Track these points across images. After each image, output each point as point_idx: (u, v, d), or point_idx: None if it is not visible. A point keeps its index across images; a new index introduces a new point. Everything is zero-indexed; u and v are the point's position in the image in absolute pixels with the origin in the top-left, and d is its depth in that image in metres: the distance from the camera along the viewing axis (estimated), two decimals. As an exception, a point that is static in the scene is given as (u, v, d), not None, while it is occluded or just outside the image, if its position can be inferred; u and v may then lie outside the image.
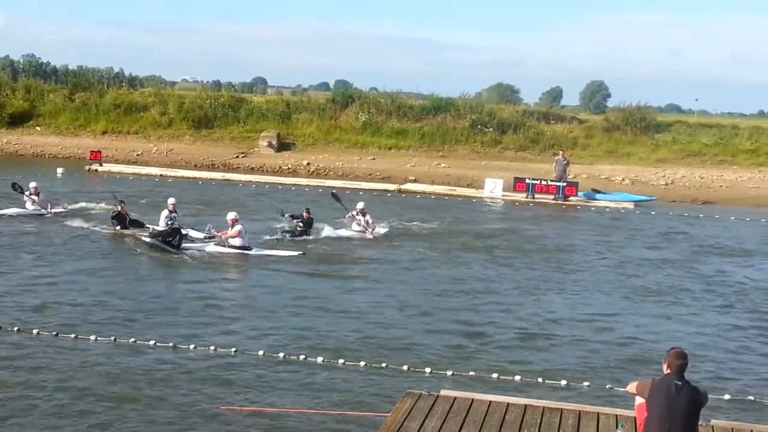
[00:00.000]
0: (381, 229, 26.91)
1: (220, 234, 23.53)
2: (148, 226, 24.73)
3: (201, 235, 24.15)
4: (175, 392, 12.63)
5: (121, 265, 21.59)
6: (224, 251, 23.09)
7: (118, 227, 24.91)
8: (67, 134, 51.40)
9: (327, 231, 26.18)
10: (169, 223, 23.49)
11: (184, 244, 23.18)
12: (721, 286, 21.98)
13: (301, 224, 25.65)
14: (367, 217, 26.56)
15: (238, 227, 23.17)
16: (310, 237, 25.46)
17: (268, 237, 25.12)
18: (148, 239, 23.35)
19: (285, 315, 17.16)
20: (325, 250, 24.21)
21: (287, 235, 25.28)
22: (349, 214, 26.79)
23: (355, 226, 26.50)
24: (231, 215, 23.58)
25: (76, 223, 26.11)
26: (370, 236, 26.03)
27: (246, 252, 23.04)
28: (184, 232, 23.64)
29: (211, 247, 23.38)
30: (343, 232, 26.42)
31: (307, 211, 26.02)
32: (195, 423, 11.58)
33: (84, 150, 46.46)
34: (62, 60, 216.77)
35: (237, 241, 23.13)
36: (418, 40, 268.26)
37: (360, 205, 26.91)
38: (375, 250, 24.36)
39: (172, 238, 22.88)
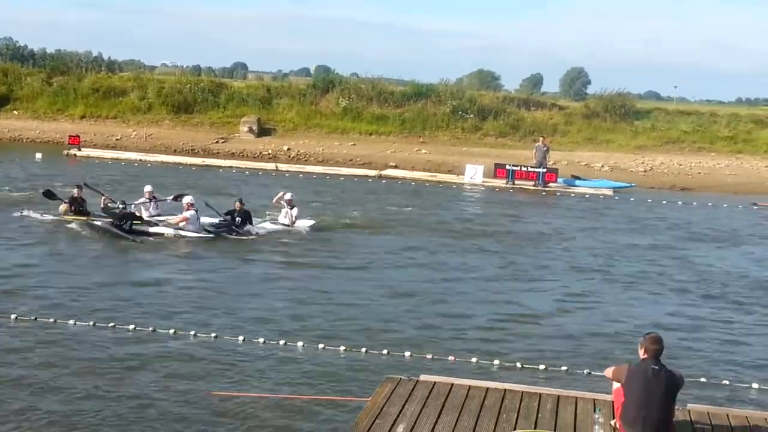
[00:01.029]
0: (306, 222, 25.04)
1: (168, 218, 23.58)
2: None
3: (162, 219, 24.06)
4: (157, 377, 12.61)
5: (77, 251, 21.17)
6: (178, 235, 22.78)
7: (65, 211, 23.97)
8: (45, 118, 50.98)
9: (261, 225, 24.46)
10: (121, 207, 22.93)
11: (141, 227, 22.97)
12: (699, 272, 22.15)
13: (237, 218, 23.33)
14: (294, 210, 24.62)
15: (188, 213, 22.90)
16: (251, 230, 23.46)
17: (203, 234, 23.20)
18: (98, 222, 23.12)
19: (259, 301, 17.13)
20: (287, 236, 23.97)
21: (222, 231, 23.13)
22: (276, 199, 24.96)
23: (281, 218, 24.74)
24: (187, 199, 23.35)
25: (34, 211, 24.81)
26: (294, 228, 24.45)
27: (200, 236, 22.77)
28: (146, 215, 23.79)
29: (164, 230, 23.01)
30: (268, 225, 24.63)
31: (240, 202, 23.80)
32: (180, 408, 11.56)
33: (62, 134, 46.14)
34: (40, 43, 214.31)
35: (189, 227, 22.83)
36: (400, 26, 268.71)
37: (288, 195, 24.81)
38: (354, 235, 24.39)
39: (123, 222, 22.50)
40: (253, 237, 23.13)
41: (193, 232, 22.88)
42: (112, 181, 31.53)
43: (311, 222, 25.22)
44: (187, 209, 23.06)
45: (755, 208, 35.52)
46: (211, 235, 22.94)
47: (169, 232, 23.01)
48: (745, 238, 28.08)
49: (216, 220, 23.57)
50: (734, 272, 22.33)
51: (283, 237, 23.71)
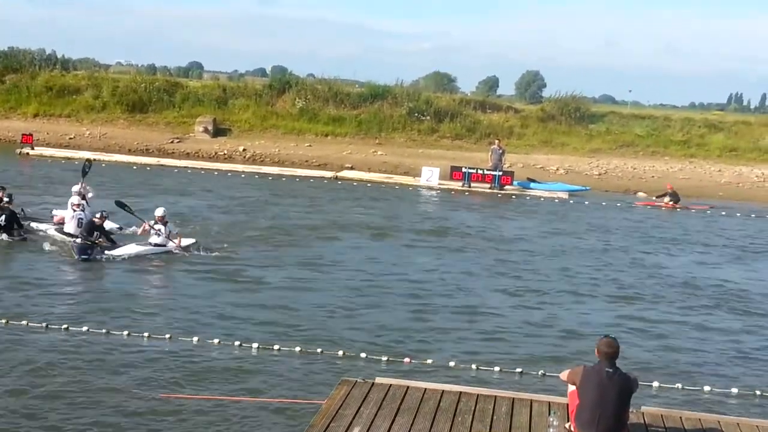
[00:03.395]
0: (186, 240, 21.84)
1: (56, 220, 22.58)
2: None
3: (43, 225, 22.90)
4: (110, 379, 12.48)
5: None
6: (58, 238, 21.69)
7: None
8: (-3, 116, 50.32)
9: (129, 247, 21.13)
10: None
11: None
12: (653, 275, 22.34)
13: (95, 232, 20.56)
14: (169, 226, 21.45)
15: (69, 212, 21.91)
16: (114, 252, 20.53)
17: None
18: None
19: (212, 303, 16.98)
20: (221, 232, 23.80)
21: (80, 254, 19.96)
22: (144, 225, 21.41)
23: (154, 238, 21.22)
24: (73, 199, 22.31)
25: None
26: (175, 250, 21.11)
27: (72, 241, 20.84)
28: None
29: (44, 227, 22.24)
30: (134, 248, 20.99)
31: (101, 216, 20.96)
32: (133, 410, 11.44)
33: (14, 133, 45.50)
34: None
35: (69, 228, 21.59)
36: (357, 27, 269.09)
37: (159, 211, 21.57)
38: (309, 237, 24.31)
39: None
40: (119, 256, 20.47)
41: (69, 234, 21.35)
42: (64, 182, 31.11)
43: (191, 241, 22.12)
44: (73, 209, 21.94)
45: (635, 204, 36.62)
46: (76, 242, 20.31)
47: (50, 230, 22.11)
48: (697, 241, 28.37)
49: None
50: (685, 276, 22.55)
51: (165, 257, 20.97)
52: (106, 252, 20.48)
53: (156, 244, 21.18)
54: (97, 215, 20.96)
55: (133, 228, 22.55)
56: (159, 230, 21.16)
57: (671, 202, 36.49)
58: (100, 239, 20.58)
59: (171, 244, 21.18)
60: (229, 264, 20.45)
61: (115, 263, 20.04)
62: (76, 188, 23.47)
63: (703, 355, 15.67)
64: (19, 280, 17.84)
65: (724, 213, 35.64)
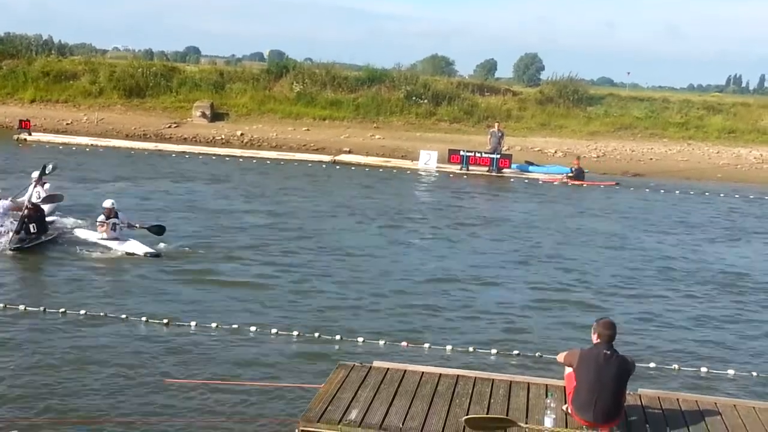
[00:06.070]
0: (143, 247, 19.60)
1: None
2: None
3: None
4: (108, 364, 12.47)
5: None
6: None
7: None
8: (-6, 102, 50.20)
9: (79, 233, 20.38)
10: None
11: None
12: (648, 257, 22.34)
13: (30, 225, 19.24)
14: (121, 215, 20.01)
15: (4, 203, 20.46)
16: (49, 240, 19.52)
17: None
18: None
19: (209, 288, 16.98)
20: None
21: (18, 243, 18.72)
22: (99, 222, 19.91)
23: (107, 232, 19.82)
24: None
25: None
26: (125, 247, 19.50)
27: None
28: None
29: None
30: (91, 235, 20.09)
31: (31, 206, 19.56)
32: (132, 394, 11.45)
33: (11, 119, 45.39)
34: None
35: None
36: (355, 11, 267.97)
37: (108, 203, 19.96)
38: (306, 221, 24.29)
39: None
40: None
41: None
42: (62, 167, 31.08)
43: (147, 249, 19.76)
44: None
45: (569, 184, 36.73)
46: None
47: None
48: (695, 224, 28.36)
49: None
50: (682, 258, 22.56)
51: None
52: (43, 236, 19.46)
53: (108, 239, 19.74)
54: (27, 207, 19.54)
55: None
56: (113, 224, 19.78)
57: (572, 179, 36.68)
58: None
59: (126, 244, 19.64)
60: (224, 250, 20.38)
61: (107, 253, 19.58)
62: (35, 174, 22.14)
63: (700, 336, 15.67)
64: None
65: (722, 195, 35.63)
